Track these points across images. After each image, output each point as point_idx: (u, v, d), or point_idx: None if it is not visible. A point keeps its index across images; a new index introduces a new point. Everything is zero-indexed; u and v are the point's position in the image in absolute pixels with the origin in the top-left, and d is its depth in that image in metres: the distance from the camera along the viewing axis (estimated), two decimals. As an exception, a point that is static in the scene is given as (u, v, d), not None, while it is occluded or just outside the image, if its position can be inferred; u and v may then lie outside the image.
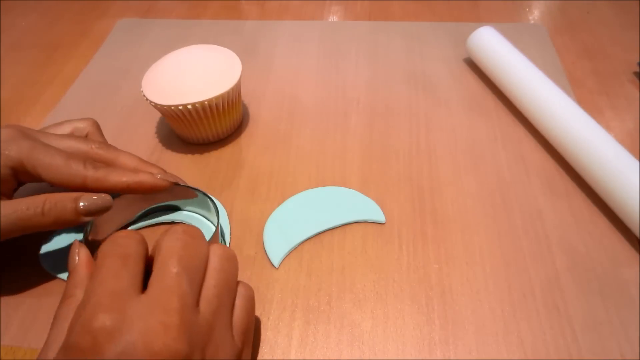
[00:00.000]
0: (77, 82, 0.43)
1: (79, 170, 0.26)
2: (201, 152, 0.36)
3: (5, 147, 0.25)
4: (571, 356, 0.24)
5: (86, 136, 0.30)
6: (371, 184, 0.33)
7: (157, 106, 0.33)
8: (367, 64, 0.44)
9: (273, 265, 0.29)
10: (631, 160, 0.29)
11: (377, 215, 0.31)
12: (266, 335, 0.25)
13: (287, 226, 0.30)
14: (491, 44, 0.39)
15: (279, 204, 0.31)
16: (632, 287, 0.27)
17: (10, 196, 0.26)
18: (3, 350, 0.25)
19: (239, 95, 0.36)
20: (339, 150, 0.36)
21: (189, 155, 0.36)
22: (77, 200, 0.25)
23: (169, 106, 0.32)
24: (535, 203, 0.31)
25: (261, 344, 0.25)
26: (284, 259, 0.29)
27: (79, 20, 0.52)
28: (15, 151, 0.25)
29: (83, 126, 0.30)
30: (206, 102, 0.32)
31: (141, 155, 0.36)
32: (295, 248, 0.29)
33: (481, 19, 0.49)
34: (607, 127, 0.36)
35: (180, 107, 0.32)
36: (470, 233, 0.30)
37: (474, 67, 0.42)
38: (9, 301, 0.27)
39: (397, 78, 0.42)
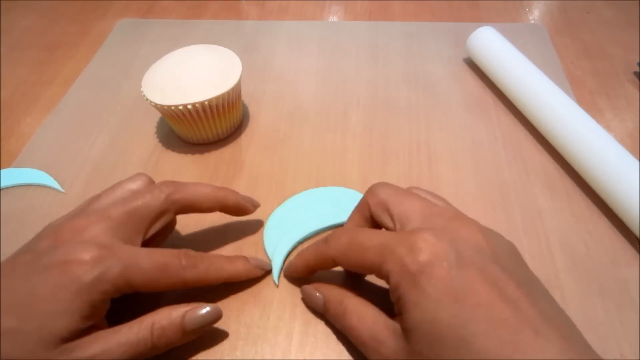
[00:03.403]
0: (77, 82, 0.43)
1: (177, 275, 0.23)
2: (201, 152, 0.36)
3: (100, 282, 0.21)
4: (571, 356, 0.24)
5: None
6: (371, 184, 0.33)
7: (157, 106, 0.33)
8: (367, 64, 0.44)
9: (272, 274, 0.28)
10: (631, 160, 0.29)
11: (377, 215, 0.31)
12: (266, 335, 0.25)
13: (287, 226, 0.30)
14: (491, 44, 0.39)
15: (279, 204, 0.31)
16: (632, 287, 0.27)
17: (104, 320, 0.23)
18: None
19: (239, 95, 0.36)
20: (339, 150, 0.36)
21: (189, 155, 0.36)
22: (182, 323, 0.22)
23: (169, 106, 0.32)
24: (535, 203, 0.31)
25: (261, 344, 0.25)
26: (284, 259, 0.29)
27: (79, 20, 0.52)
28: (110, 284, 0.21)
29: (140, 185, 0.26)
30: (206, 102, 0.32)
31: (141, 155, 0.36)
32: (295, 248, 0.29)
33: (481, 19, 0.49)
34: (607, 127, 0.36)
35: (180, 107, 0.32)
36: (470, 233, 0.30)
37: (474, 67, 0.42)
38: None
39: (397, 78, 0.42)
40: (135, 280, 0.22)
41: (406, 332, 0.19)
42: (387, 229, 0.23)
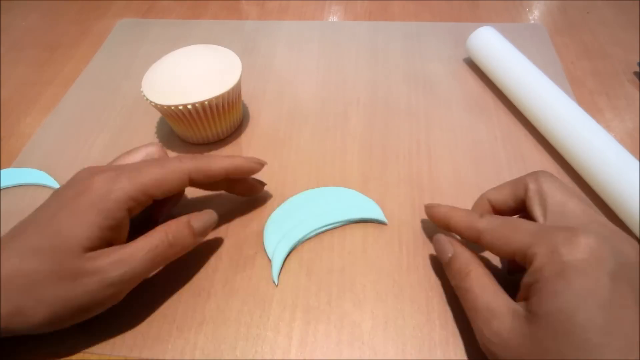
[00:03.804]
0: (77, 82, 0.43)
1: (181, 167, 0.26)
2: (201, 152, 0.36)
3: (112, 192, 0.23)
4: (571, 356, 0.24)
5: None
6: (371, 184, 0.33)
7: (157, 106, 0.33)
8: (367, 64, 0.44)
9: (272, 274, 0.28)
10: (631, 160, 0.29)
11: (377, 215, 0.31)
12: (266, 335, 0.25)
13: (287, 226, 0.30)
14: (491, 44, 0.39)
15: (279, 204, 0.31)
16: (632, 287, 0.27)
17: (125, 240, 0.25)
18: (3, 350, 0.25)
19: (239, 95, 0.36)
20: (339, 150, 0.36)
21: (189, 155, 0.36)
22: (189, 224, 0.25)
23: (169, 106, 0.32)
24: (535, 203, 0.31)
25: (261, 344, 0.25)
26: (283, 259, 0.29)
27: (79, 20, 0.52)
28: (121, 191, 0.24)
29: (154, 150, 0.29)
30: (206, 102, 0.32)
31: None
32: (295, 248, 0.29)
33: (481, 19, 0.49)
34: (607, 127, 0.36)
35: (180, 107, 0.32)
36: (470, 233, 0.30)
37: (474, 67, 0.42)
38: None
39: (397, 78, 0.42)
40: (144, 184, 0.24)
41: (533, 316, 0.19)
42: (533, 219, 0.23)
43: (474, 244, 0.24)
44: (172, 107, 0.32)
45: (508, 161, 0.34)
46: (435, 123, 0.37)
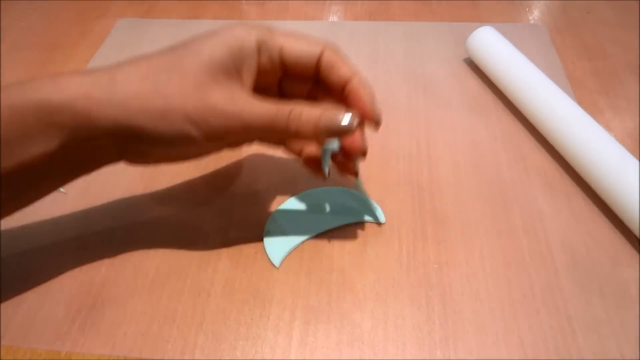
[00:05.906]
0: (77, 82, 0.43)
1: (317, 41, 0.24)
2: (201, 152, 0.36)
3: (246, 31, 0.23)
4: (571, 356, 0.24)
5: None
6: (371, 184, 0.33)
7: (157, 106, 0.33)
8: (367, 64, 0.44)
9: (273, 265, 0.29)
10: (631, 160, 0.29)
11: (377, 215, 0.31)
12: (266, 335, 0.26)
13: (287, 226, 0.30)
14: (491, 44, 0.39)
15: (279, 204, 0.31)
16: (632, 287, 0.27)
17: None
18: (3, 350, 0.25)
19: (239, 95, 0.36)
20: (339, 150, 0.36)
21: (189, 155, 0.36)
22: (319, 119, 0.23)
23: (169, 106, 0.32)
24: (535, 203, 0.31)
25: (261, 344, 0.25)
26: (284, 259, 0.29)
27: (79, 20, 0.52)
28: (254, 34, 0.23)
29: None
30: (206, 102, 0.32)
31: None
32: (295, 248, 0.29)
33: (481, 19, 0.49)
34: (607, 127, 0.36)
35: (180, 107, 0.32)
36: (470, 233, 0.30)
37: (474, 67, 0.42)
38: (9, 301, 0.27)
39: (397, 78, 0.42)
40: (277, 33, 0.24)
41: None
42: None
43: None
44: (172, 107, 0.32)
45: (508, 161, 0.34)
46: (435, 123, 0.37)
